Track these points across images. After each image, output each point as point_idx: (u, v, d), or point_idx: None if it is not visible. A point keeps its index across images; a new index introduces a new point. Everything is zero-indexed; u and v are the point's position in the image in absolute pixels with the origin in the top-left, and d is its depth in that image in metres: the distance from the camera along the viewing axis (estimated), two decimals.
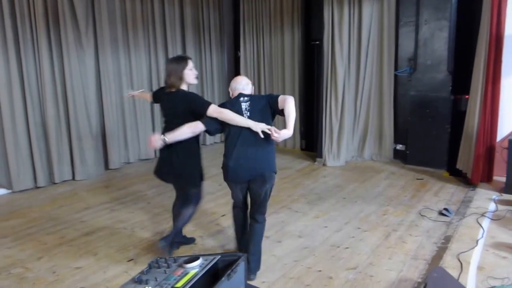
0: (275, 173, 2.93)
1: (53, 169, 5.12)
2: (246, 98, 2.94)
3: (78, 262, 3.19)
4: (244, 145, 2.79)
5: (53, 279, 2.95)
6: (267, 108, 2.90)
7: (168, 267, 1.60)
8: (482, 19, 4.55)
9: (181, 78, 2.96)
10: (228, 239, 3.50)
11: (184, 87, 3.00)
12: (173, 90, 2.98)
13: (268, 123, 2.81)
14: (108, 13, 5.58)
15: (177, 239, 3.25)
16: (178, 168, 2.98)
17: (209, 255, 1.69)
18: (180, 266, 1.60)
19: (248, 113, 2.87)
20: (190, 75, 2.99)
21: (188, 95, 2.96)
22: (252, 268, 2.88)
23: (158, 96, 3.27)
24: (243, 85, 2.99)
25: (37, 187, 5.01)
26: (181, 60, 3.02)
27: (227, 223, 3.75)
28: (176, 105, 2.94)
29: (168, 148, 2.90)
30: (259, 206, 2.94)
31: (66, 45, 5.09)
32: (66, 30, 5.07)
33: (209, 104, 2.85)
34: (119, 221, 3.98)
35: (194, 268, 1.58)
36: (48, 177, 5.13)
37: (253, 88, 3.09)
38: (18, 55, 4.74)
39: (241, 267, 1.67)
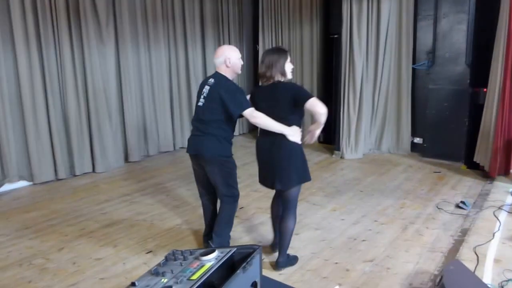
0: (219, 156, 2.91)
1: (74, 162, 5.26)
2: (212, 81, 2.91)
3: (98, 254, 3.27)
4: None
5: (73, 270, 3.04)
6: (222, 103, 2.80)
7: (185, 259, 1.61)
8: (500, 12, 4.52)
9: (282, 72, 2.83)
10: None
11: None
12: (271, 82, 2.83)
13: (220, 119, 2.84)
14: (129, 7, 5.68)
15: None
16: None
17: (225, 248, 1.72)
18: (196, 258, 1.61)
19: (203, 100, 2.90)
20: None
21: (293, 86, 2.86)
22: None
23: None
24: (215, 58, 2.94)
25: (58, 179, 5.13)
26: (282, 52, 2.89)
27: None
28: (280, 97, 2.78)
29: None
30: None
31: (87, 39, 5.20)
32: (87, 24, 5.18)
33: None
34: (138, 213, 4.09)
35: (210, 260, 1.58)
36: (69, 169, 5.27)
37: (229, 60, 2.89)
38: (39, 49, 4.84)
39: (256, 259, 1.67)
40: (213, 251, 1.64)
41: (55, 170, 5.13)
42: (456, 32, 5.22)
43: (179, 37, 6.45)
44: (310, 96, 2.71)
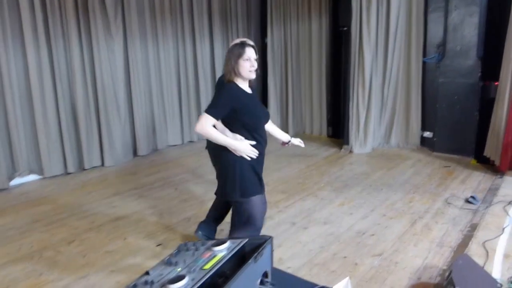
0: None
1: (83, 156, 5.30)
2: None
3: (108, 247, 3.31)
4: None
5: (83, 262, 3.08)
6: None
7: (197, 250, 1.63)
8: None
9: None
10: None
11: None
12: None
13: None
14: (137, 1, 5.69)
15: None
16: None
17: (237, 239, 1.76)
18: (208, 249, 1.63)
19: None
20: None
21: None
22: None
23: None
24: None
25: (67, 173, 5.18)
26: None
27: None
28: None
29: None
30: None
31: (95, 33, 5.22)
32: (95, 18, 5.20)
33: None
34: (147, 207, 4.12)
35: (222, 251, 1.61)
36: (78, 163, 5.32)
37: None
38: (48, 44, 4.87)
39: (267, 250, 1.70)
40: (224, 241, 1.66)
41: (65, 164, 5.18)
42: (467, 24, 5.14)
43: (187, 31, 6.45)
44: (206, 109, 2.46)
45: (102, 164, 5.50)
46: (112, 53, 5.50)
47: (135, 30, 5.72)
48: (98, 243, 3.39)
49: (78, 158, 5.33)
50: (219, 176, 2.73)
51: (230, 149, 2.50)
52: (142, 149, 5.98)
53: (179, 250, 1.66)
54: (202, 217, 3.78)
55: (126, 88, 5.76)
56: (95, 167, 5.44)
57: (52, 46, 4.91)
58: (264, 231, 3.50)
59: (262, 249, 1.65)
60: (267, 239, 1.71)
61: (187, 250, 1.65)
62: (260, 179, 2.70)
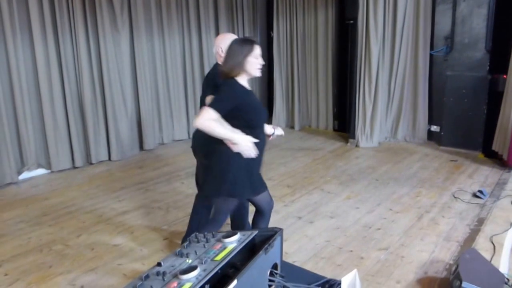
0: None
1: (90, 150, 5.32)
2: (209, 71, 2.90)
3: (116, 240, 3.34)
4: None
5: (92, 255, 3.11)
6: None
7: (207, 241, 1.63)
8: None
9: None
10: None
11: None
12: None
13: None
14: None
15: None
16: None
17: (247, 231, 1.77)
18: (219, 240, 1.64)
19: (202, 92, 2.86)
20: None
21: None
22: None
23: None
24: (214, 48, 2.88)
25: (74, 167, 5.21)
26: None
27: None
28: None
29: None
30: None
31: (102, 28, 5.23)
32: (102, 13, 5.21)
33: None
34: (154, 201, 4.15)
35: (232, 242, 1.61)
36: (85, 157, 5.34)
37: (221, 49, 2.73)
38: (56, 38, 4.89)
39: (277, 241, 1.71)
40: (235, 233, 1.68)
41: (72, 158, 5.22)
42: (476, 16, 5.08)
43: (193, 24, 6.43)
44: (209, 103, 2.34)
45: (109, 159, 5.53)
46: (118, 48, 5.51)
47: (141, 24, 5.72)
48: (106, 236, 3.43)
49: (86, 152, 5.36)
50: (206, 172, 2.64)
51: (228, 145, 2.37)
52: (149, 143, 6.00)
53: (190, 242, 1.67)
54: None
55: (133, 83, 5.78)
56: (102, 161, 5.46)
57: (60, 41, 4.93)
58: (270, 225, 3.53)
59: (273, 240, 1.66)
60: (277, 231, 1.72)
61: (198, 241, 1.66)
62: (258, 177, 2.59)
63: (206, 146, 2.64)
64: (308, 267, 2.87)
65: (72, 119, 5.14)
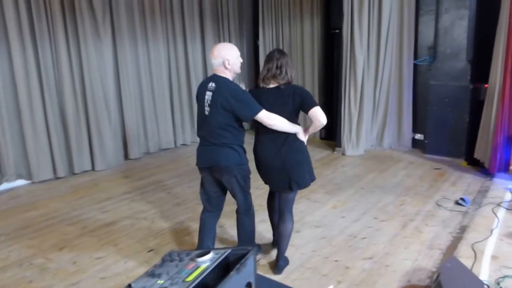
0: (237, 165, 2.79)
1: (73, 160, 5.22)
2: (212, 85, 2.70)
3: (99, 253, 3.29)
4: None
5: (74, 269, 3.05)
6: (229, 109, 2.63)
7: (181, 261, 1.64)
8: (501, 8, 4.51)
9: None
10: None
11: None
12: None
13: (230, 125, 2.70)
14: (126, 2, 5.62)
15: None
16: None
17: (221, 249, 1.76)
18: (192, 260, 1.64)
19: (208, 108, 2.70)
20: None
21: (302, 90, 2.84)
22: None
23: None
24: (212, 59, 2.74)
25: (57, 178, 5.09)
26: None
27: None
28: (287, 101, 2.78)
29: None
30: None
31: (83, 35, 5.14)
32: (83, 20, 5.13)
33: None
34: (139, 211, 4.10)
35: (205, 262, 1.62)
36: (68, 167, 5.23)
37: (228, 62, 2.70)
38: (34, 46, 4.79)
39: (250, 260, 1.70)
40: (208, 252, 1.67)
41: (54, 169, 5.10)
42: (457, 27, 5.20)
43: (178, 32, 6.39)
44: (315, 104, 2.69)
45: (93, 168, 5.43)
46: (100, 55, 5.42)
47: (125, 31, 5.65)
48: (89, 249, 3.37)
49: (68, 162, 5.24)
50: (294, 169, 2.81)
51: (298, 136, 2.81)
52: (134, 153, 5.93)
53: (163, 261, 1.67)
54: (195, 221, 3.75)
55: (116, 91, 5.69)
56: (85, 171, 5.37)
57: (39, 49, 4.82)
58: (257, 235, 3.53)
59: (245, 260, 1.65)
60: (250, 250, 1.72)
61: (171, 261, 1.66)
62: None
63: (288, 144, 2.81)
64: (294, 276, 2.90)
65: (53, 128, 5.02)
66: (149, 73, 6.14)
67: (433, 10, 5.46)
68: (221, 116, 2.67)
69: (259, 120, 2.69)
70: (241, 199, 2.91)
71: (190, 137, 6.80)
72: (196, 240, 3.41)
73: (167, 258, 1.67)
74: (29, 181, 4.99)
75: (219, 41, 7.07)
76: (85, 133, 5.34)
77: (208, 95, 2.73)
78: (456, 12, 5.18)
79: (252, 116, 2.66)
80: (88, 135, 5.38)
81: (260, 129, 2.85)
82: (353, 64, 5.79)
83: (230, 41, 7.21)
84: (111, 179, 5.14)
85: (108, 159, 5.56)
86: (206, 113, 2.74)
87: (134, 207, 4.24)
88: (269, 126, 2.70)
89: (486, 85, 4.89)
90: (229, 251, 1.71)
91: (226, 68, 2.74)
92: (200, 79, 6.80)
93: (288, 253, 3.21)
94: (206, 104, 2.73)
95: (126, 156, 5.90)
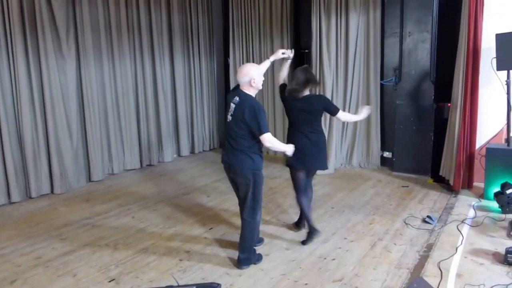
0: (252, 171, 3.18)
1: (30, 183, 4.92)
2: (237, 99, 3.12)
3: (56, 285, 3.07)
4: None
5: None
6: (252, 120, 3.05)
7: None
8: (460, 33, 4.72)
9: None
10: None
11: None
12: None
13: (246, 135, 3.10)
14: (91, 19, 5.47)
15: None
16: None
17: (186, 286, 1.72)
18: None
19: (230, 117, 3.13)
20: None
21: (324, 99, 3.96)
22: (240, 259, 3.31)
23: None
24: (240, 77, 3.16)
25: (11, 203, 4.79)
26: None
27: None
28: (313, 109, 3.65)
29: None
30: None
31: (44, 53, 4.96)
32: (44, 37, 4.95)
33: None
34: (100, 238, 3.89)
35: None
36: (24, 191, 4.93)
37: (253, 81, 3.12)
38: None
39: None
40: None
41: (8, 193, 4.79)
42: (421, 50, 5.40)
43: (146, 49, 6.29)
44: (338, 109, 3.72)
45: (52, 192, 5.15)
46: (63, 74, 5.23)
47: (89, 49, 5.49)
48: (44, 281, 3.14)
49: (24, 185, 4.94)
50: (322, 155, 3.81)
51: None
52: (97, 174, 5.67)
53: None
54: (160, 247, 3.68)
55: (79, 110, 5.48)
56: (43, 195, 5.06)
57: None
58: (224, 259, 3.48)
59: None
60: (216, 286, 1.70)
61: None
62: None
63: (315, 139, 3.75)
64: None
65: (8, 148, 4.72)
66: (115, 91, 5.97)
67: (398, 33, 5.66)
68: (238, 127, 3.09)
69: (260, 139, 3.09)
70: (249, 205, 3.21)
71: (156, 157, 6.67)
72: (161, 267, 3.34)
73: None
74: None
75: (189, 59, 7.06)
76: (44, 154, 5.07)
77: (232, 106, 3.15)
78: (419, 35, 5.38)
79: (259, 135, 3.05)
80: (48, 155, 5.11)
81: (298, 135, 3.74)
82: (322, 83, 5.89)
83: (200, 59, 7.21)
84: (71, 203, 4.86)
85: (68, 182, 5.29)
86: (229, 120, 3.18)
87: (95, 233, 4.01)
88: (266, 146, 3.15)
89: (449, 104, 5.06)
90: (194, 287, 1.68)
91: (251, 85, 3.15)
92: (169, 96, 6.73)
93: (258, 277, 3.19)
94: (230, 113, 3.17)
95: (88, 178, 5.64)
